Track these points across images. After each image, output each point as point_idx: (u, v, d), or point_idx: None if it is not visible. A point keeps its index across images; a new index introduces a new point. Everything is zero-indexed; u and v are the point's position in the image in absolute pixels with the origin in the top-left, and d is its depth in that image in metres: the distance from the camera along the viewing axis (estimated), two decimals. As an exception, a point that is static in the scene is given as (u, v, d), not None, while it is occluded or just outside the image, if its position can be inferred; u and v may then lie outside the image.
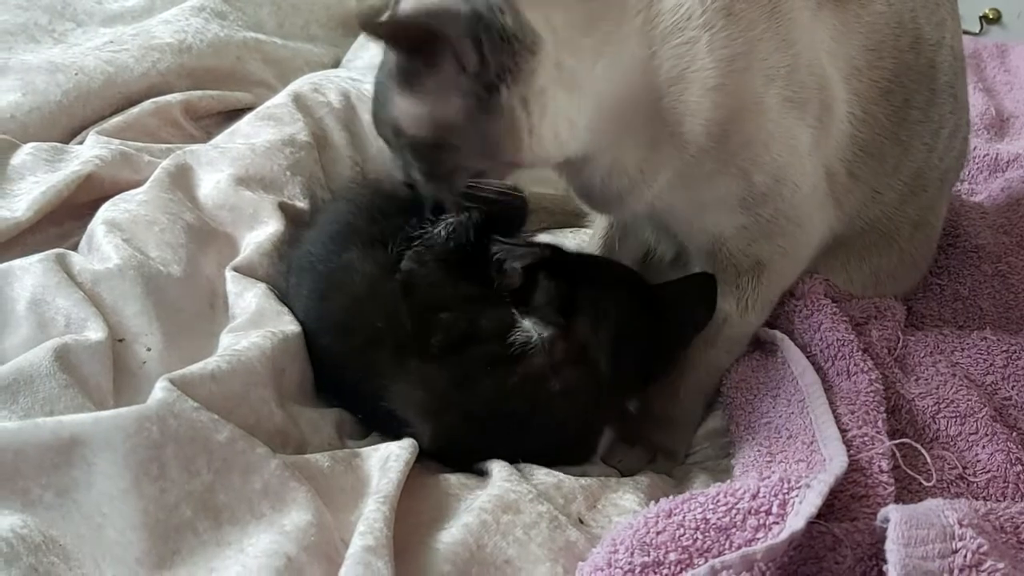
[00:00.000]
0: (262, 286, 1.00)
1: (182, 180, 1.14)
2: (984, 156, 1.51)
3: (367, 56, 1.59)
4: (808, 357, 0.99)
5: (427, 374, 0.91)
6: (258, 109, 1.31)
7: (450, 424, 0.91)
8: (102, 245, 1.00)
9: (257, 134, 1.24)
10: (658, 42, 0.87)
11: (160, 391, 0.77)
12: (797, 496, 0.73)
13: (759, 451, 0.93)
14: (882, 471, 0.82)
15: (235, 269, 1.03)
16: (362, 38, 1.67)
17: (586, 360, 0.93)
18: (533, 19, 0.83)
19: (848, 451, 0.84)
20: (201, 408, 0.77)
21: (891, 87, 1.00)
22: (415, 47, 0.83)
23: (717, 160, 0.91)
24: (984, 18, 2.28)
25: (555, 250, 1.00)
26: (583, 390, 0.92)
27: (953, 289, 1.16)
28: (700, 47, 0.87)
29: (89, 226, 1.06)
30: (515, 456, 0.91)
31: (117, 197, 1.10)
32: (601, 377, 0.93)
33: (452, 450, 0.92)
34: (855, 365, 0.96)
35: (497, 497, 0.82)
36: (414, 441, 0.89)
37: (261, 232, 1.08)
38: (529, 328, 0.93)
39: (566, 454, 0.95)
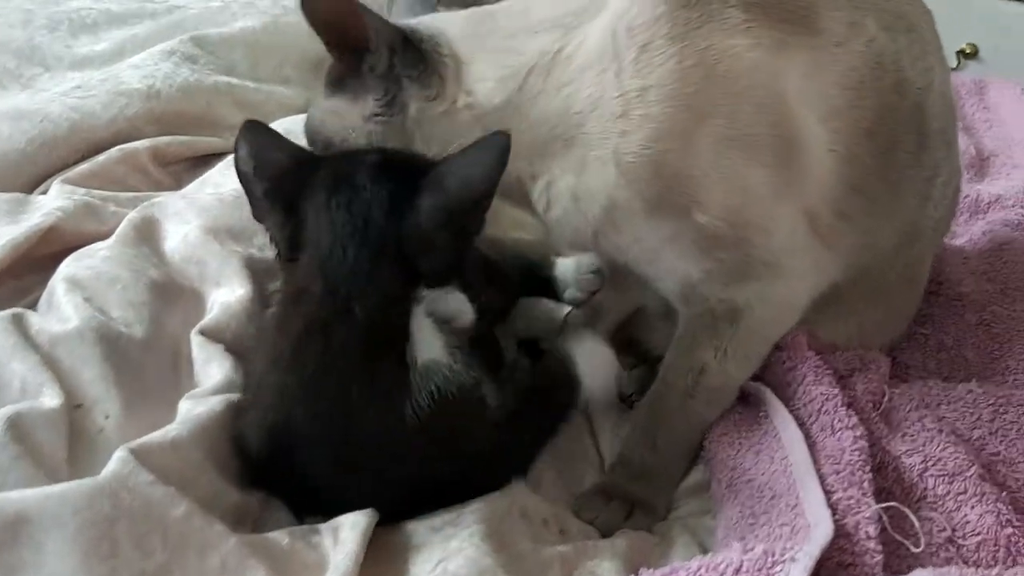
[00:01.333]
0: (229, 357, 0.97)
1: (148, 233, 1.11)
2: (965, 197, 1.50)
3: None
4: (791, 411, 0.97)
5: None
6: (229, 156, 1.29)
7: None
8: (62, 304, 0.97)
9: (226, 183, 1.21)
10: (569, 77, 0.92)
11: (115, 462, 0.74)
12: (781, 571, 0.71)
13: (741, 511, 0.91)
14: (869, 537, 0.79)
15: (202, 332, 0.99)
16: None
17: (304, 302, 0.86)
18: (447, 45, 0.96)
19: (833, 515, 0.81)
20: (157, 482, 0.74)
21: (875, 128, 0.98)
22: (343, 39, 0.94)
23: (647, 194, 0.91)
24: (961, 53, 2.29)
25: None
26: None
27: (937, 339, 1.14)
28: (608, 78, 0.91)
29: (50, 282, 1.03)
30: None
31: (80, 251, 1.07)
32: (332, 315, 0.83)
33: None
34: (839, 421, 0.93)
35: (472, 562, 0.79)
36: (371, 512, 0.85)
37: (228, 291, 1.05)
38: None
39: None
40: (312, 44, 1.68)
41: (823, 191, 0.97)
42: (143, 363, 0.95)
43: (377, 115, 0.96)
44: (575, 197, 0.94)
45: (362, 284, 0.84)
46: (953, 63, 2.25)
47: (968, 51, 2.30)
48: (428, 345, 0.86)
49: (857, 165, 0.98)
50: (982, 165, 1.70)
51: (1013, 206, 1.48)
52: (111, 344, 0.93)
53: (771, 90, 0.92)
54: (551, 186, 0.96)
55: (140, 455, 0.76)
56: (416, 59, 0.95)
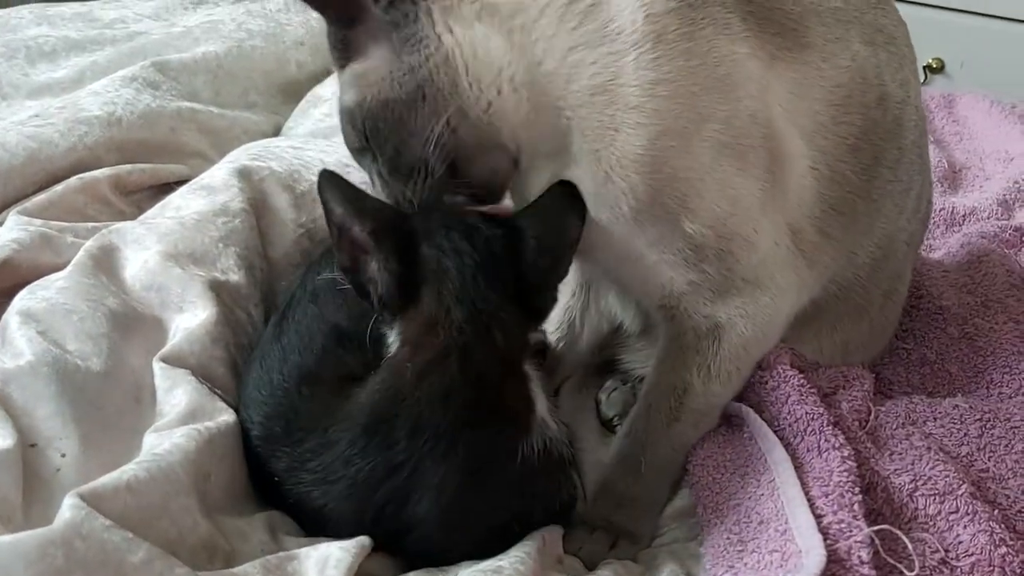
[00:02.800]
0: (193, 380, 0.93)
1: (106, 262, 1.07)
2: (940, 210, 1.50)
3: (308, 123, 1.54)
4: (776, 432, 0.95)
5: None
6: (193, 180, 1.25)
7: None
8: (15, 339, 0.93)
9: (187, 206, 1.17)
10: (582, 42, 0.86)
11: (68, 509, 0.70)
12: (774, 601, 0.68)
13: (729, 538, 0.88)
14: (862, 562, 0.77)
15: (163, 360, 0.95)
16: (303, 104, 1.62)
17: (439, 332, 0.86)
18: None
19: (825, 540, 0.78)
20: (113, 526, 0.70)
21: (859, 144, 0.97)
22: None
23: (641, 194, 0.87)
24: (928, 68, 2.30)
25: (383, 224, 0.89)
26: (459, 357, 0.85)
27: (920, 353, 1.12)
28: (627, 62, 0.85)
29: (3, 317, 0.98)
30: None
31: (35, 284, 1.03)
32: (472, 340, 0.85)
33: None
34: (826, 441, 0.91)
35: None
36: (362, 541, 0.82)
37: (191, 316, 1.01)
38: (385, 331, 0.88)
39: (491, 442, 0.86)
40: (277, 69, 1.70)
41: (805, 208, 0.95)
42: (102, 397, 0.91)
43: (406, 52, 0.86)
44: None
45: (498, 310, 0.87)
46: (921, 77, 2.26)
47: (935, 65, 2.31)
48: (541, 399, 0.90)
49: (840, 182, 0.97)
50: (955, 178, 1.70)
51: (988, 218, 1.48)
52: (67, 379, 0.89)
53: (763, 102, 0.90)
54: (533, 176, 0.91)
55: (94, 499, 0.72)
56: None
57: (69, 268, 1.05)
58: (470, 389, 0.84)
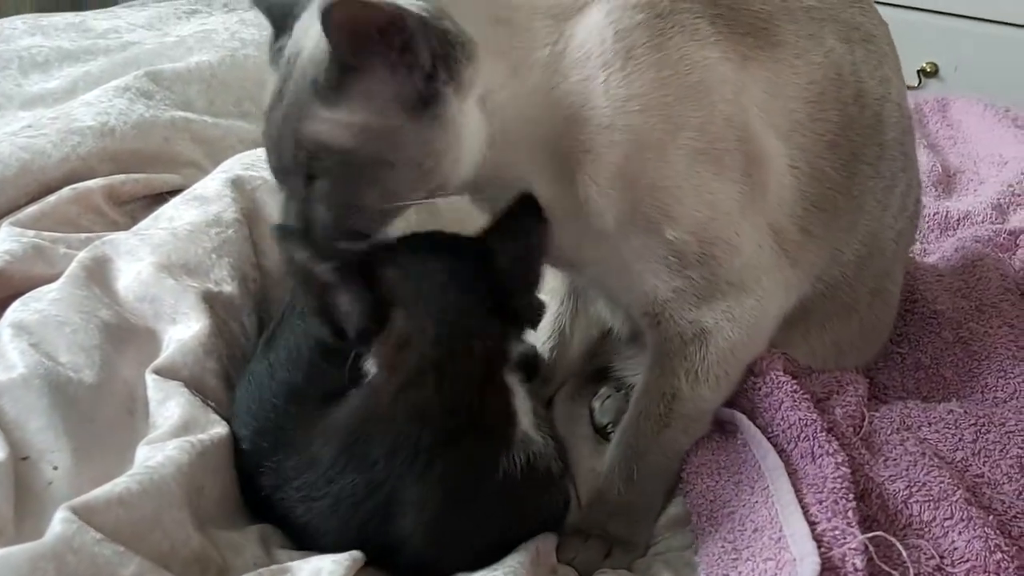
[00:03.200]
0: (186, 392, 0.93)
1: (99, 273, 1.07)
2: (934, 214, 1.50)
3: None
4: (769, 438, 0.95)
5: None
6: (186, 191, 1.25)
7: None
8: (7, 351, 0.92)
9: (180, 216, 1.17)
10: (560, 77, 0.86)
11: (59, 523, 0.69)
12: (768, 609, 0.68)
13: (723, 546, 0.88)
14: (856, 569, 0.77)
15: (156, 371, 0.95)
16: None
17: (413, 350, 0.85)
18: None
19: (819, 548, 0.78)
20: (105, 540, 0.70)
21: (837, 140, 0.97)
22: (361, 40, 0.78)
23: (622, 207, 0.88)
24: (922, 72, 2.30)
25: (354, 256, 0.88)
26: (439, 372, 0.84)
27: (915, 358, 1.12)
28: (596, 85, 0.86)
29: (-4, 329, 0.98)
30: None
31: (27, 295, 1.02)
32: (446, 355, 0.85)
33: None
34: (820, 447, 0.91)
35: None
36: (354, 555, 0.82)
37: (184, 327, 1.01)
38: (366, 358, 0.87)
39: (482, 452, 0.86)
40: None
41: (786, 207, 0.95)
42: (94, 409, 0.90)
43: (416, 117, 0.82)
44: (549, 208, 0.90)
45: (472, 323, 0.86)
46: (914, 82, 2.26)
47: (928, 70, 2.31)
48: (524, 413, 0.89)
49: (820, 179, 0.97)
50: (949, 182, 1.70)
51: (983, 222, 1.48)
52: (59, 391, 0.89)
53: (738, 105, 0.90)
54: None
55: (85, 513, 0.71)
56: (448, 47, 0.81)
57: (62, 280, 1.04)
58: (446, 405, 0.84)
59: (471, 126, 0.84)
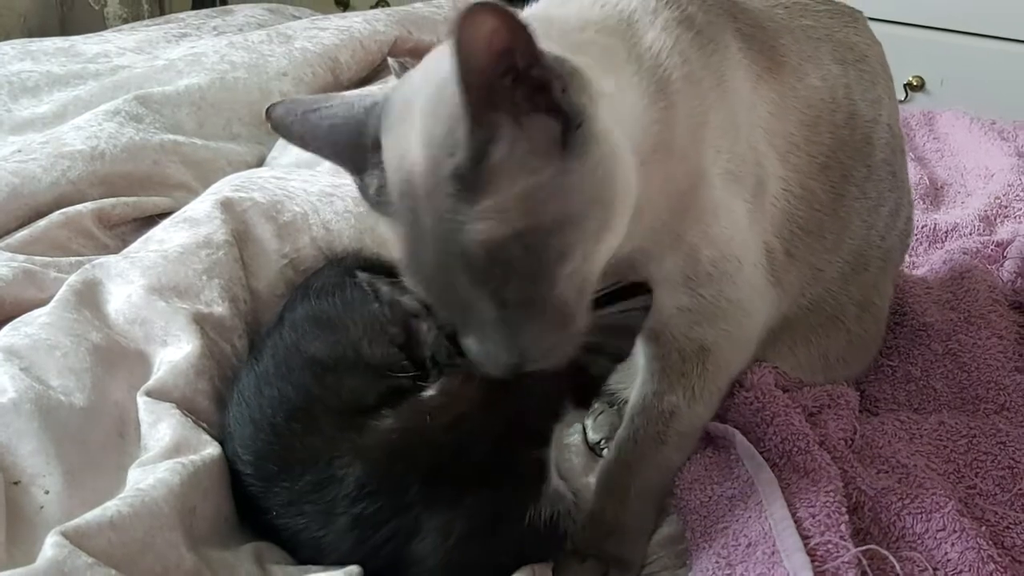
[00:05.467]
0: (177, 413, 0.93)
1: (89, 297, 1.07)
2: (922, 227, 1.50)
3: (292, 153, 1.54)
4: (762, 453, 0.95)
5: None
6: (176, 213, 1.25)
7: None
8: (-2, 375, 0.92)
9: (170, 239, 1.17)
10: (648, 99, 0.82)
11: (50, 548, 0.69)
12: (761, 624, 0.67)
13: (717, 561, 0.87)
14: (850, 582, 0.77)
15: (148, 393, 0.95)
16: (287, 134, 1.62)
17: (476, 386, 0.84)
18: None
19: (812, 562, 0.78)
20: (96, 564, 0.69)
21: (828, 162, 0.98)
22: (491, 78, 0.67)
23: (671, 235, 0.88)
24: (908, 86, 2.32)
25: None
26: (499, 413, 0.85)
27: (905, 370, 1.12)
28: (676, 113, 0.84)
29: (-14, 354, 0.98)
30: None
31: (18, 320, 1.02)
32: (507, 399, 0.85)
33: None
34: (812, 461, 0.91)
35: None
36: (351, 571, 0.82)
37: (175, 349, 1.01)
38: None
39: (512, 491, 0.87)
40: (261, 99, 1.70)
41: (775, 228, 0.96)
42: (86, 432, 0.90)
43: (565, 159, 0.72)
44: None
45: (535, 376, 0.80)
46: (901, 95, 2.28)
47: (915, 83, 2.33)
48: (555, 467, 0.90)
49: (810, 200, 0.98)
50: (936, 195, 1.71)
51: (970, 234, 1.48)
52: (50, 415, 0.88)
53: (753, 125, 0.91)
54: None
55: (77, 537, 0.71)
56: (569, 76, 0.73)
57: (52, 303, 1.04)
58: (495, 444, 0.85)
59: (616, 140, 0.76)
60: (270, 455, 0.90)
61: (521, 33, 0.66)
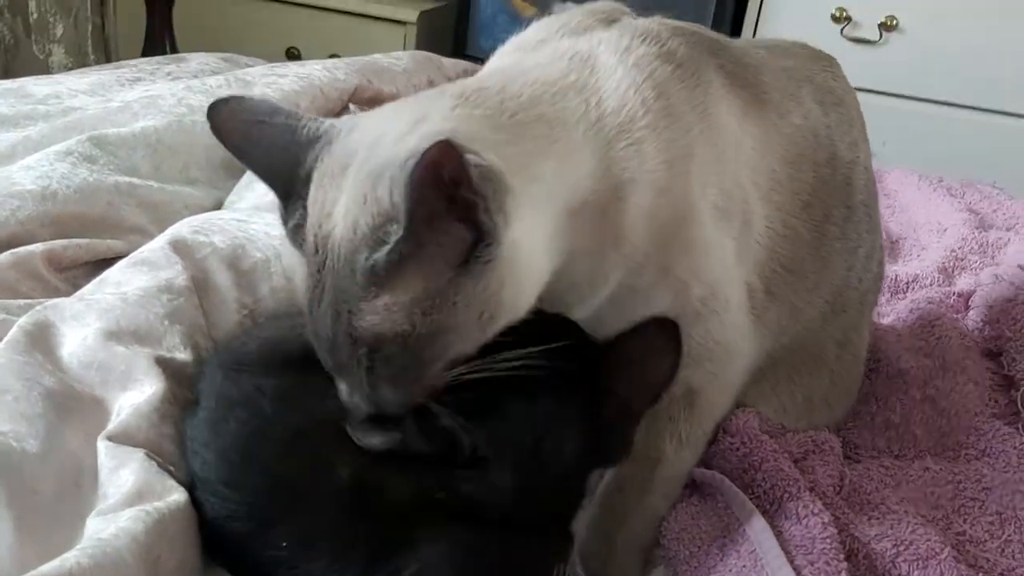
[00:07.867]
0: (140, 455, 0.87)
1: (41, 339, 1.00)
2: (884, 278, 1.52)
3: (252, 197, 1.50)
4: (751, 499, 0.92)
5: None
6: (132, 255, 1.19)
7: None
8: (-57, 421, 0.86)
9: (129, 281, 1.11)
10: (603, 147, 0.81)
11: (5, 603, 0.63)
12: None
13: (713, 612, 0.84)
14: (853, 630, 0.74)
15: (110, 438, 0.89)
16: (246, 178, 1.58)
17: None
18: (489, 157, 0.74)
19: (814, 610, 0.76)
20: (56, 620, 0.63)
21: (811, 200, 0.98)
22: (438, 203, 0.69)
23: (658, 269, 0.86)
24: (854, 146, 2.37)
25: None
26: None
27: (884, 416, 1.12)
28: (648, 148, 0.83)
29: (-69, 398, 0.91)
30: None
31: (-36, 363, 0.96)
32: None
33: None
34: (804, 507, 0.88)
35: None
36: None
37: (137, 393, 0.95)
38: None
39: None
40: (218, 144, 1.64)
41: (757, 267, 0.96)
42: (39, 480, 0.83)
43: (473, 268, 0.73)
44: (589, 284, 0.86)
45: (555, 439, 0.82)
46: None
47: (860, 144, 2.39)
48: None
49: (792, 239, 0.97)
50: (893, 248, 1.74)
51: (931, 285, 1.50)
52: (1, 461, 0.82)
53: (739, 161, 0.91)
54: (567, 276, 0.85)
55: (34, 590, 0.65)
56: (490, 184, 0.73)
57: (1, 345, 0.97)
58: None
59: (525, 253, 0.76)
60: (266, 507, 0.84)
61: (467, 170, 0.69)
